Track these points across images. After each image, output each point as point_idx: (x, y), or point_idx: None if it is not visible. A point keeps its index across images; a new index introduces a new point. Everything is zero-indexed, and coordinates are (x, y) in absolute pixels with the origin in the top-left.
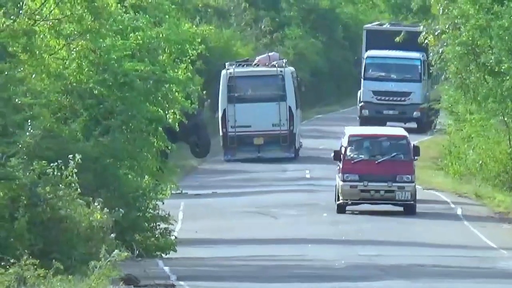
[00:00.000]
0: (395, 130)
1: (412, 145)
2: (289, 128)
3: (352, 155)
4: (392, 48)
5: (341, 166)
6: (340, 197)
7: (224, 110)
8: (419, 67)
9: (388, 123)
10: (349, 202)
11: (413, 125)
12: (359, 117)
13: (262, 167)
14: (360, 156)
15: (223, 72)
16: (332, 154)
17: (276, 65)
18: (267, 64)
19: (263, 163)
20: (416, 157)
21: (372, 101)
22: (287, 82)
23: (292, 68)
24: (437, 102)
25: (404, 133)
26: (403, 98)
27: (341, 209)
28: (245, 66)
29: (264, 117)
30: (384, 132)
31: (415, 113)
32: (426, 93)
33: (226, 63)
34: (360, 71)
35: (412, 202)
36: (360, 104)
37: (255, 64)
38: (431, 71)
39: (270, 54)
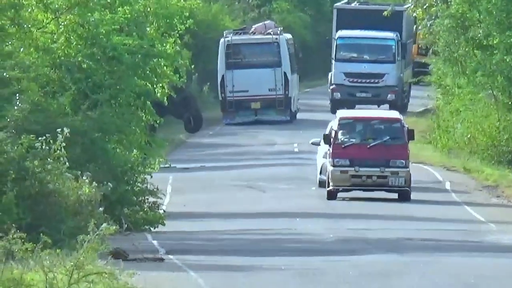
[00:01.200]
0: (389, 112)
1: (406, 128)
2: (284, 92)
3: (342, 139)
4: (364, 28)
5: (331, 151)
6: (330, 183)
7: (223, 76)
8: (393, 47)
9: (357, 106)
10: (340, 189)
11: (386, 107)
12: (331, 100)
13: (251, 141)
14: (351, 140)
15: (221, 40)
16: (320, 139)
17: (272, 33)
18: (263, 32)
19: (252, 137)
20: (410, 141)
21: (344, 83)
22: (282, 48)
23: (288, 35)
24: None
25: (398, 115)
26: (376, 80)
27: (331, 195)
28: (242, 34)
29: (260, 82)
30: (376, 115)
31: (389, 95)
32: (400, 75)
33: (224, 31)
34: (331, 52)
35: (406, 188)
36: (332, 87)
37: (251, 32)
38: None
39: (266, 22)
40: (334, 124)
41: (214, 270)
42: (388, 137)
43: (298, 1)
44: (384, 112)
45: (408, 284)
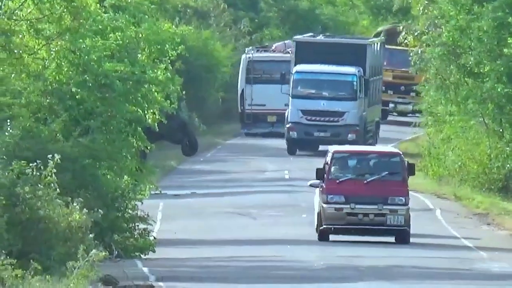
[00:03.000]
0: (386, 147)
1: (405, 162)
2: None
3: (336, 174)
4: (325, 62)
5: (324, 186)
6: (323, 222)
7: (243, 90)
8: (355, 83)
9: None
10: (332, 229)
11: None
12: (287, 139)
13: (242, 168)
14: (347, 175)
15: (243, 56)
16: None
17: (290, 52)
18: (282, 50)
19: (243, 164)
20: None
21: (301, 121)
22: None
23: None
24: (417, 103)
25: (397, 150)
26: (336, 119)
27: (323, 236)
28: (263, 51)
29: (277, 97)
30: (373, 149)
31: (349, 135)
32: (362, 113)
33: (247, 48)
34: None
35: (405, 228)
36: (288, 125)
37: (272, 50)
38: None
39: (286, 42)
40: (327, 158)
41: None
42: (386, 172)
43: (289, 28)
44: (382, 147)
45: None
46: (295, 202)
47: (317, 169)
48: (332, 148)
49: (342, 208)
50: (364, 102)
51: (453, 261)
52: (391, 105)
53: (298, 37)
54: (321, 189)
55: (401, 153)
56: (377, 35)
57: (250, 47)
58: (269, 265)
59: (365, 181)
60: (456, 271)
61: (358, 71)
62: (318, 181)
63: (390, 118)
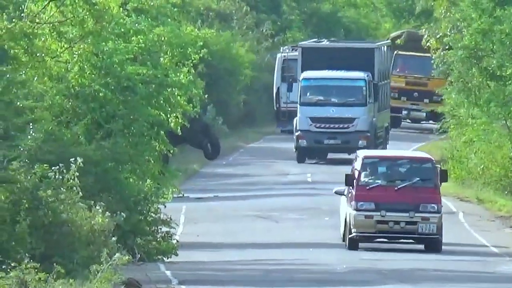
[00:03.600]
0: (418, 153)
1: (438, 169)
2: None
3: (366, 180)
4: (332, 68)
5: (353, 193)
6: (353, 230)
7: (278, 88)
8: (364, 88)
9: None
10: (364, 237)
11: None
12: (296, 148)
13: (264, 171)
14: (377, 181)
15: (278, 55)
16: (345, 188)
17: None
18: None
19: (265, 168)
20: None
21: (310, 129)
22: None
23: None
24: (439, 104)
25: (429, 155)
26: (346, 125)
27: (353, 244)
28: (297, 50)
29: None
30: (404, 154)
31: (360, 142)
32: (372, 119)
33: (282, 47)
34: (295, 95)
35: (437, 237)
36: (297, 133)
37: None
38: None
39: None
40: (356, 164)
41: None
42: (418, 179)
43: (312, 30)
44: (413, 152)
45: None
46: (317, 205)
47: (346, 175)
48: (362, 153)
49: (372, 215)
50: (374, 108)
51: (476, 264)
52: (404, 112)
53: (303, 43)
54: (349, 195)
55: (433, 159)
56: (395, 38)
57: (286, 46)
58: (291, 268)
59: (396, 188)
60: (478, 274)
61: (367, 75)
62: (344, 188)
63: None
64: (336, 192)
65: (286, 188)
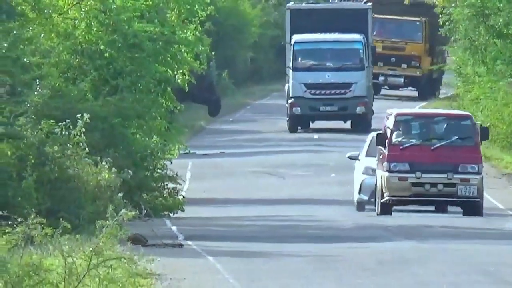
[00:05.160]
0: (456, 110)
1: (478, 126)
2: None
3: (400, 139)
4: (324, 31)
5: (386, 153)
6: (385, 193)
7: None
8: (361, 51)
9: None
10: (398, 200)
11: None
12: (289, 116)
13: (271, 127)
14: (411, 140)
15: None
16: (359, 153)
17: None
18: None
19: (272, 124)
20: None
21: (304, 96)
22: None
23: None
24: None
25: (468, 112)
26: (343, 91)
27: (385, 209)
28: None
29: None
30: (441, 111)
31: (358, 108)
32: (369, 83)
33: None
34: (285, 60)
35: (478, 199)
36: (290, 101)
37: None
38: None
39: None
40: (389, 122)
41: (233, 256)
42: (456, 137)
43: None
44: (450, 110)
45: (427, 272)
46: (324, 162)
47: (378, 134)
48: (394, 111)
49: (406, 177)
50: (370, 72)
51: (482, 221)
52: (381, 77)
53: (290, 4)
54: (381, 156)
55: (471, 115)
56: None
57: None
58: (298, 224)
59: (432, 147)
60: (485, 231)
61: (363, 37)
62: (358, 153)
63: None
64: (350, 157)
65: (293, 144)
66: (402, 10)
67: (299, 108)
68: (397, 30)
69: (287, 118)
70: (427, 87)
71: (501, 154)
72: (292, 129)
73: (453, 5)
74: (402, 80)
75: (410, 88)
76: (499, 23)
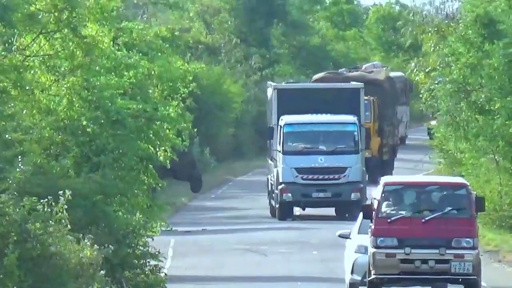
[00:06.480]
0: (450, 178)
1: (474, 196)
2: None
3: (388, 211)
4: (314, 112)
5: (372, 227)
6: (372, 271)
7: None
8: (356, 134)
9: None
10: (386, 279)
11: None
12: (280, 203)
13: (253, 204)
14: (400, 212)
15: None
16: (350, 231)
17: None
18: (372, 70)
19: (253, 201)
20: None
21: (296, 181)
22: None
23: (399, 73)
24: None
25: (463, 180)
26: (337, 176)
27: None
28: (354, 71)
29: None
30: (433, 180)
31: (353, 194)
32: (364, 168)
33: (340, 70)
34: (271, 142)
35: (474, 277)
36: (280, 187)
37: (363, 70)
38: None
39: (374, 63)
40: (376, 193)
41: None
42: (450, 208)
43: (300, 64)
44: (444, 177)
45: None
46: (305, 239)
47: (364, 206)
48: (382, 179)
49: (394, 253)
50: (363, 155)
51: None
52: None
53: (278, 84)
54: (370, 230)
55: (467, 183)
56: (317, 81)
57: (343, 69)
58: None
59: (424, 220)
60: None
61: (357, 119)
62: (348, 231)
63: None
64: (340, 236)
65: (274, 221)
66: None
67: (290, 195)
68: None
69: (276, 206)
70: (377, 170)
71: (483, 231)
72: (282, 217)
73: (436, 82)
74: None
75: None
76: (481, 99)
